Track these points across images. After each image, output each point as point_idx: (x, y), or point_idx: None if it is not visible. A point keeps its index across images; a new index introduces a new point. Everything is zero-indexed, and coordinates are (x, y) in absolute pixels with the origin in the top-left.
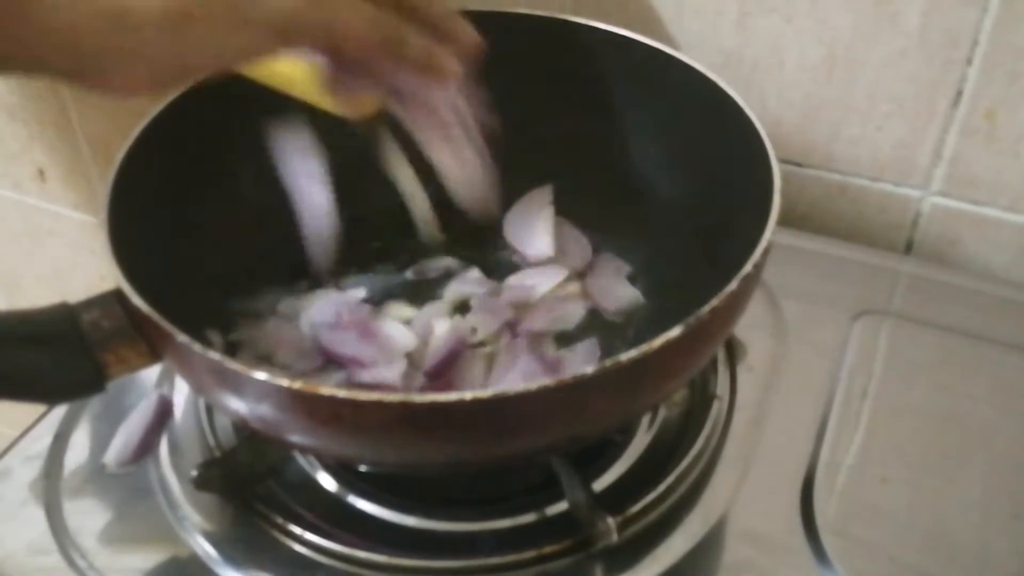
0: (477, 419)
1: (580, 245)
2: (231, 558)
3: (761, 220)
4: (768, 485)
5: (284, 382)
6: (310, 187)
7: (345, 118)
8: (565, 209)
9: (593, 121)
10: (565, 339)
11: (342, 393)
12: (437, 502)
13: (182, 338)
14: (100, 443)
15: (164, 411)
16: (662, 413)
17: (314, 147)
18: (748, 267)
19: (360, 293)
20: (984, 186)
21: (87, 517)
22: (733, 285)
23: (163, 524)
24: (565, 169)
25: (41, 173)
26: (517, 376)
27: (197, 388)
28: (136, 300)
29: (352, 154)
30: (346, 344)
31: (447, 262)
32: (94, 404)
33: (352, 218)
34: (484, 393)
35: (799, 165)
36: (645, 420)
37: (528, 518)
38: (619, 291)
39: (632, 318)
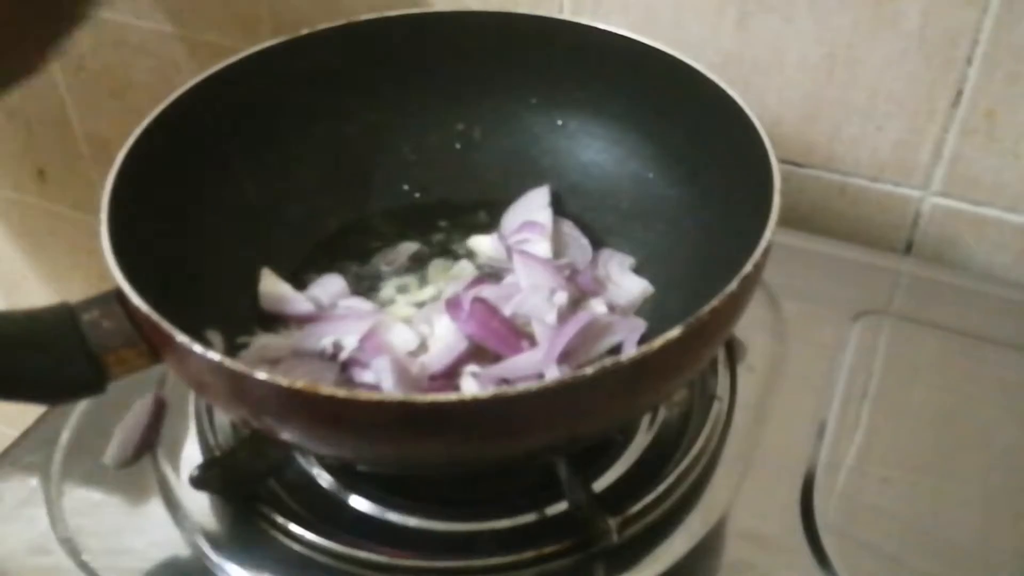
0: (477, 419)
1: (579, 245)
2: (231, 558)
3: (761, 220)
4: (768, 485)
5: (284, 382)
6: None
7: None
8: (564, 209)
9: (592, 121)
10: None
11: (342, 393)
12: (437, 502)
13: (182, 338)
14: (100, 443)
15: (160, 410)
16: (662, 413)
17: None
18: (748, 267)
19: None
20: (984, 186)
21: (87, 517)
22: (733, 285)
23: (163, 524)
24: (564, 169)
25: (41, 173)
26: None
27: (197, 388)
28: (136, 300)
29: (353, 155)
30: (347, 344)
31: (446, 262)
32: (94, 404)
33: (352, 219)
34: (484, 393)
35: (799, 165)
36: (645, 420)
37: (528, 518)
38: (627, 283)
39: (643, 310)
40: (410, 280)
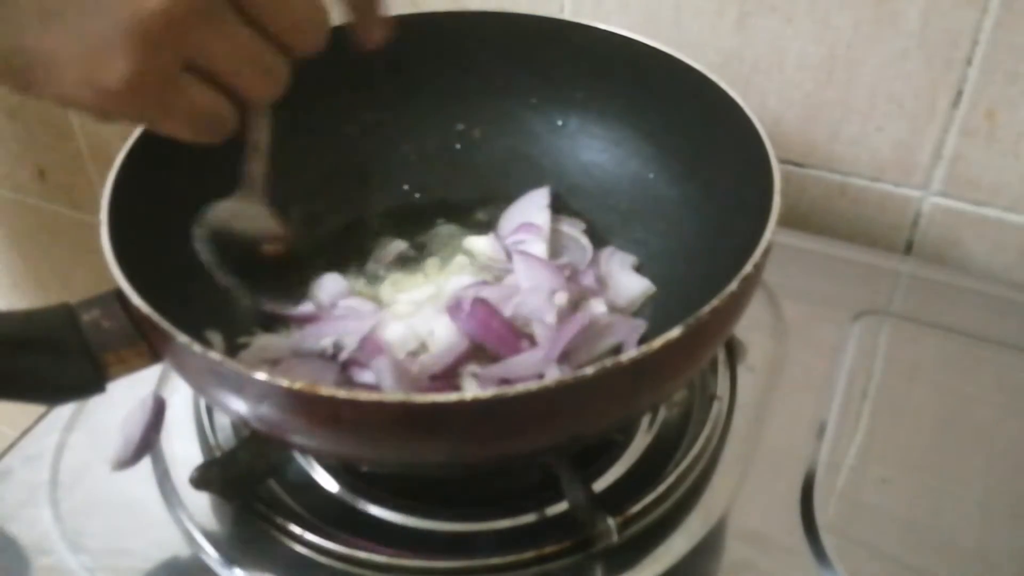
0: (477, 419)
1: (579, 245)
2: (231, 558)
3: (761, 220)
4: (768, 485)
5: (284, 382)
6: None
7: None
8: (564, 209)
9: (592, 121)
10: None
11: (342, 393)
12: (437, 502)
13: (182, 339)
14: (100, 443)
15: (159, 410)
16: (662, 413)
17: None
18: (748, 267)
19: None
20: (984, 186)
21: (87, 517)
22: (733, 285)
23: (163, 524)
24: (564, 169)
25: (41, 173)
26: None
27: (198, 389)
28: (136, 300)
29: (353, 155)
30: (347, 344)
31: (444, 260)
32: (94, 404)
33: (352, 219)
34: (484, 393)
35: (799, 165)
36: (645, 420)
37: (528, 518)
38: (628, 283)
39: (643, 310)
40: (408, 279)
